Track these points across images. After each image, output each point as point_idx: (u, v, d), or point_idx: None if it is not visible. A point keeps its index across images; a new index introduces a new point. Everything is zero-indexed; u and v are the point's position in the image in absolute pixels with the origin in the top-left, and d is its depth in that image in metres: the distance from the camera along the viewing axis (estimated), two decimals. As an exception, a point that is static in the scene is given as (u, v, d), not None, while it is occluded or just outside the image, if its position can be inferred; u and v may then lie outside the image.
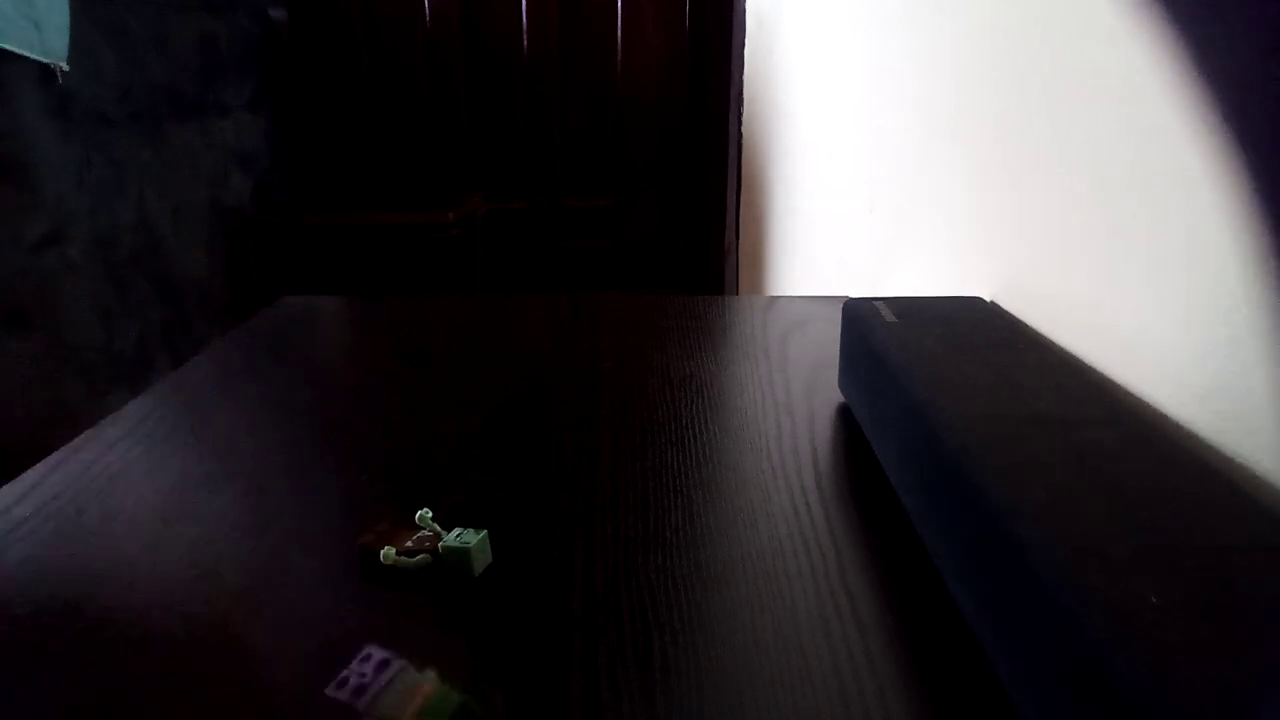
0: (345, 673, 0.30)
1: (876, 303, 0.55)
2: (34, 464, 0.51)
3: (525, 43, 2.56)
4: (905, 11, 0.88)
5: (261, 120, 2.39)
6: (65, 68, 1.58)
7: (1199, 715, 0.23)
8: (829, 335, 0.71)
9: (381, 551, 0.39)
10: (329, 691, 0.29)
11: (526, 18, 2.54)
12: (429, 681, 0.30)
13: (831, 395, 0.59)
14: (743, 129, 2.08)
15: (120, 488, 0.48)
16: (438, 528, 0.41)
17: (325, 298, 0.87)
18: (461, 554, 0.39)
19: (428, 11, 2.52)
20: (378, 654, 0.31)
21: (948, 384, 0.43)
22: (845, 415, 0.57)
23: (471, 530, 0.40)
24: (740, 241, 2.22)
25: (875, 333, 0.51)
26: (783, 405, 0.59)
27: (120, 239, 1.78)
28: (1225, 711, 0.23)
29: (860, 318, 0.54)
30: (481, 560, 0.40)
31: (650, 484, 0.48)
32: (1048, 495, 0.33)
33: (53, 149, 1.59)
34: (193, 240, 2.05)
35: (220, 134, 2.18)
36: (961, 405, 0.40)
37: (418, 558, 0.39)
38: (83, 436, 0.54)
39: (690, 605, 0.38)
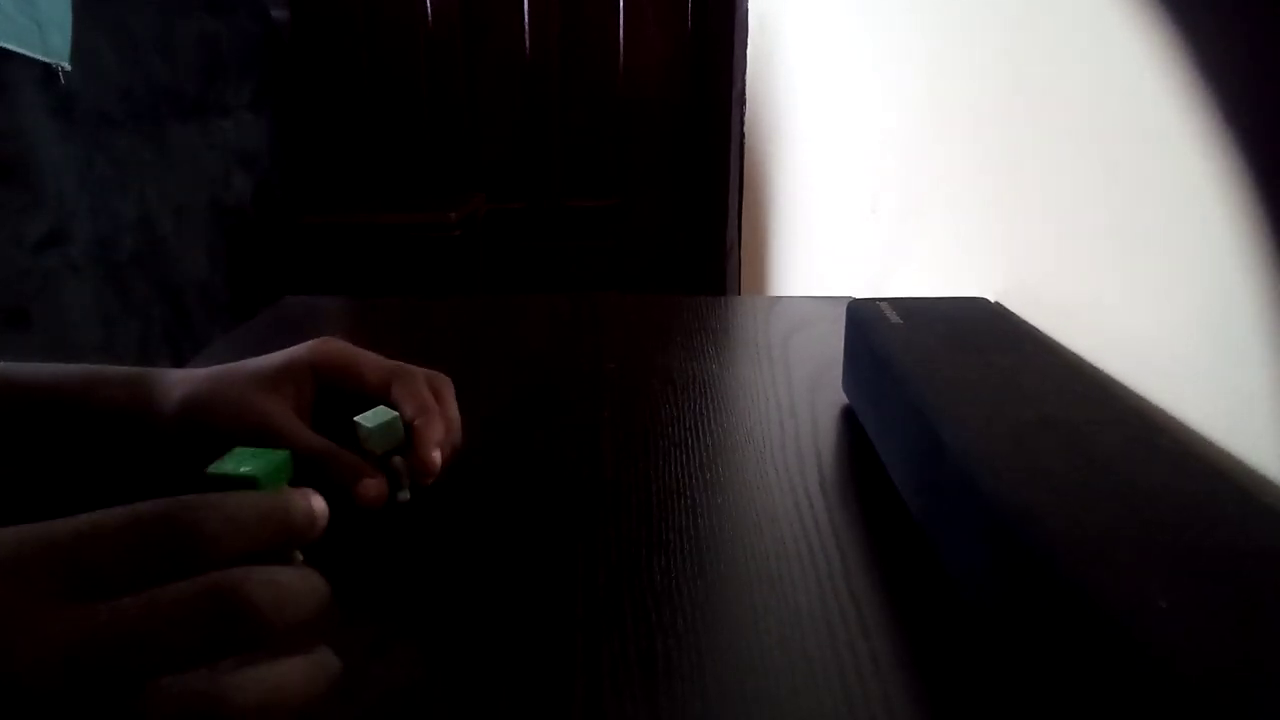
0: None
1: (880, 303, 0.55)
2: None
3: (527, 43, 2.56)
4: (909, 11, 0.88)
5: (263, 120, 2.39)
6: (67, 67, 1.57)
7: (1207, 714, 0.23)
8: (832, 336, 0.71)
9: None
10: None
11: (528, 18, 2.54)
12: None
13: (835, 396, 0.59)
14: (745, 129, 2.08)
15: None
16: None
17: (327, 298, 0.87)
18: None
19: (429, 11, 2.52)
20: None
21: (952, 385, 0.43)
22: (849, 417, 0.56)
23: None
24: (742, 241, 2.21)
25: (879, 334, 0.51)
26: (786, 407, 0.58)
27: (121, 239, 1.78)
28: (1234, 710, 0.23)
29: (864, 318, 0.54)
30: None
31: (653, 486, 0.48)
32: (1054, 498, 0.32)
33: (54, 149, 1.59)
34: (194, 240, 2.05)
35: (222, 134, 2.18)
36: (966, 407, 0.40)
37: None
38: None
39: (693, 608, 0.38)
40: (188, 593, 0.23)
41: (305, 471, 0.43)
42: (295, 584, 0.25)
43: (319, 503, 0.28)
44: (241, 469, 0.32)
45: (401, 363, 0.47)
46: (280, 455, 0.33)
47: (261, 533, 0.26)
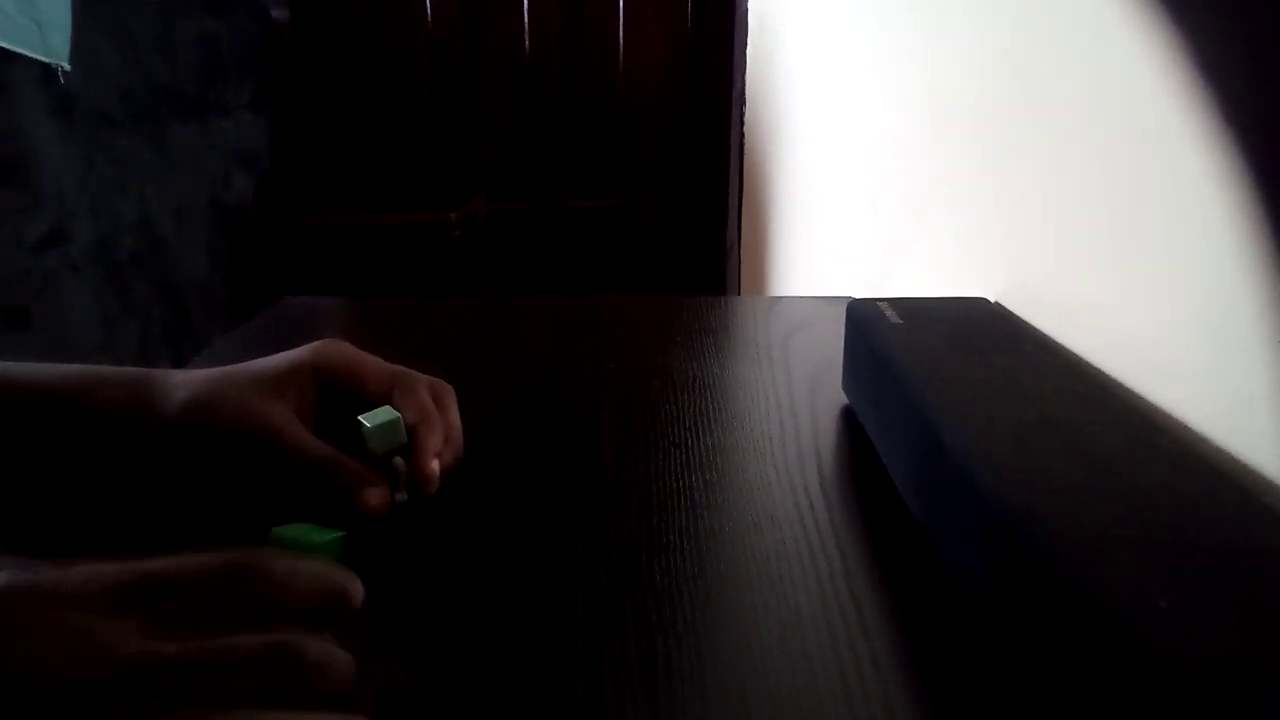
0: None
1: (880, 303, 0.55)
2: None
3: (527, 43, 2.56)
4: (909, 11, 0.88)
5: (263, 120, 2.39)
6: (67, 68, 1.57)
7: (1207, 714, 0.23)
8: (832, 336, 0.71)
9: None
10: None
11: (528, 18, 2.53)
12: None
13: (835, 397, 0.59)
14: (745, 129, 2.08)
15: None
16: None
17: (327, 298, 0.87)
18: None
19: (429, 11, 2.52)
20: None
21: (952, 386, 0.43)
22: (849, 417, 0.56)
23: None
24: (742, 241, 2.21)
25: (879, 334, 0.51)
26: (786, 407, 0.58)
27: (122, 239, 1.78)
28: (1234, 710, 0.23)
29: (864, 319, 0.54)
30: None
31: (653, 486, 0.48)
32: (1055, 498, 0.32)
33: (54, 149, 1.59)
34: (194, 240, 2.05)
35: (222, 134, 2.18)
36: (967, 407, 0.40)
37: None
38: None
39: (694, 608, 0.38)
40: (257, 643, 0.26)
41: (308, 478, 0.43)
42: (340, 656, 0.27)
43: (360, 585, 0.30)
44: (302, 537, 0.35)
45: (404, 369, 0.47)
46: (337, 535, 0.35)
47: (317, 593, 0.28)
